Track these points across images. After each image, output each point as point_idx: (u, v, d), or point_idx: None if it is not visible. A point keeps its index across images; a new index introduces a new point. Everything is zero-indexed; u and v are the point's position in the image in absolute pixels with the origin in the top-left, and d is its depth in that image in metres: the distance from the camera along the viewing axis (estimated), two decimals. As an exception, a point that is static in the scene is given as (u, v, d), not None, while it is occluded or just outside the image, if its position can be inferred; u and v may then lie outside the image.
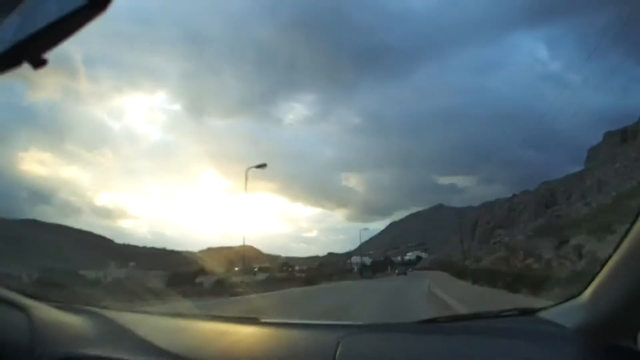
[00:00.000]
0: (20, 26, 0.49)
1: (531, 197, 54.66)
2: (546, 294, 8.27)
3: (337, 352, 1.05)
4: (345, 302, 12.06)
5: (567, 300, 1.13)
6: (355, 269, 57.75)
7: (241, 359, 1.16)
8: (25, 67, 0.51)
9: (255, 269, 42.78)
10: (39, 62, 0.51)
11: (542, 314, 1.21)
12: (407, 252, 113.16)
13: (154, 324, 1.54)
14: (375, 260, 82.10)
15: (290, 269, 53.41)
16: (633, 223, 0.85)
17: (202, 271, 23.04)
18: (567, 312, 1.09)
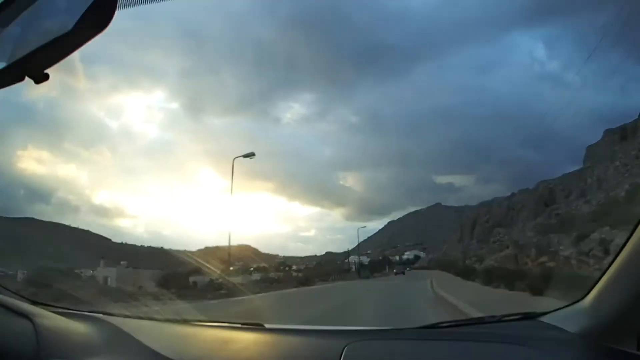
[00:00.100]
0: (23, 41, 0.48)
1: (530, 195, 54.63)
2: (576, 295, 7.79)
3: (342, 358, 1.05)
4: (341, 304, 11.75)
5: (569, 304, 1.14)
6: (353, 268, 57.60)
7: None
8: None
9: (252, 269, 42.39)
10: (40, 78, 0.50)
11: (545, 318, 1.21)
12: (405, 251, 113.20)
13: (159, 331, 1.54)
14: (373, 259, 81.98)
15: (287, 269, 52.98)
16: (635, 227, 0.85)
17: (196, 271, 22.59)
18: (570, 316, 1.09)
